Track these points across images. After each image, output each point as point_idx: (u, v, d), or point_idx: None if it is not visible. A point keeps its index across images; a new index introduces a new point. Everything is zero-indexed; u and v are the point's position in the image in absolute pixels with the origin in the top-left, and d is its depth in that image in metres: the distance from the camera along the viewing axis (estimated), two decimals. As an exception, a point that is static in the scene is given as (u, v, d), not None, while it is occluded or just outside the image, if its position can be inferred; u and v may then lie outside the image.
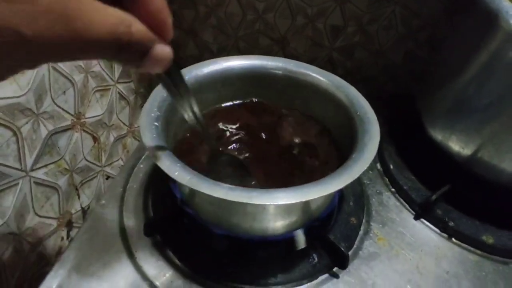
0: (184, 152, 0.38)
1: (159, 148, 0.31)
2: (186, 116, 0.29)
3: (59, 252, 0.43)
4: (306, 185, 0.29)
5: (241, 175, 0.35)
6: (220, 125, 0.42)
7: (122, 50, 0.17)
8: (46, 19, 0.13)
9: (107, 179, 0.56)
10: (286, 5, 0.56)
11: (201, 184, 0.28)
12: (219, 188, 0.28)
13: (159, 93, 0.37)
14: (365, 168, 0.31)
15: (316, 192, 0.28)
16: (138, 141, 0.61)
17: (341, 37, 0.59)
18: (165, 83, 0.25)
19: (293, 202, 0.28)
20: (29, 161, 0.39)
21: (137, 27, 0.17)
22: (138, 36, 0.17)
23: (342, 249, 0.36)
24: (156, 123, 0.34)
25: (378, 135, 0.34)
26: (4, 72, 0.15)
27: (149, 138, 0.32)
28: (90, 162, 0.51)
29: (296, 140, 0.41)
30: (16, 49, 0.14)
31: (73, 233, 0.47)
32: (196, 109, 0.29)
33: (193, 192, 0.35)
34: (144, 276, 0.36)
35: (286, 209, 0.34)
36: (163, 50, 0.19)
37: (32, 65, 0.15)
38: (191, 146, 0.39)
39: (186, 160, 0.30)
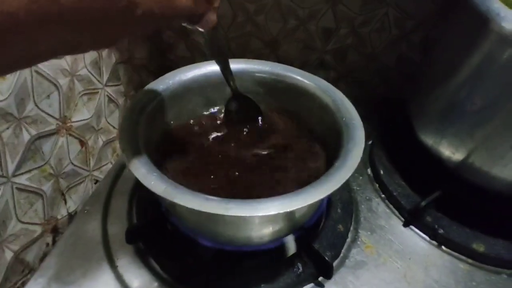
0: (165, 155, 0.37)
1: (137, 155, 0.30)
2: (220, 67, 0.37)
3: (44, 259, 0.42)
4: (286, 195, 0.28)
5: (254, 116, 0.43)
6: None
7: (190, 17, 0.26)
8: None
9: (95, 183, 0.55)
10: (277, 7, 0.55)
11: (177, 195, 0.27)
12: (195, 198, 0.27)
13: (143, 96, 0.37)
14: (348, 177, 0.30)
15: (296, 203, 0.28)
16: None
17: (333, 40, 0.58)
18: (207, 39, 0.33)
19: (272, 213, 0.27)
20: (11, 166, 0.39)
21: (200, 2, 0.25)
22: (200, 8, 0.26)
23: (327, 258, 0.36)
24: (136, 128, 0.34)
25: (363, 142, 0.33)
26: (120, 37, 0.21)
27: (127, 144, 0.31)
28: (77, 167, 0.50)
29: (273, 141, 0.40)
30: (138, 20, 0.20)
31: (59, 238, 0.46)
32: (228, 64, 0.38)
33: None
34: (125, 286, 0.36)
35: (269, 219, 0.33)
36: (212, 16, 0.28)
37: (143, 30, 0.23)
38: (173, 147, 0.39)
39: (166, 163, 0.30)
